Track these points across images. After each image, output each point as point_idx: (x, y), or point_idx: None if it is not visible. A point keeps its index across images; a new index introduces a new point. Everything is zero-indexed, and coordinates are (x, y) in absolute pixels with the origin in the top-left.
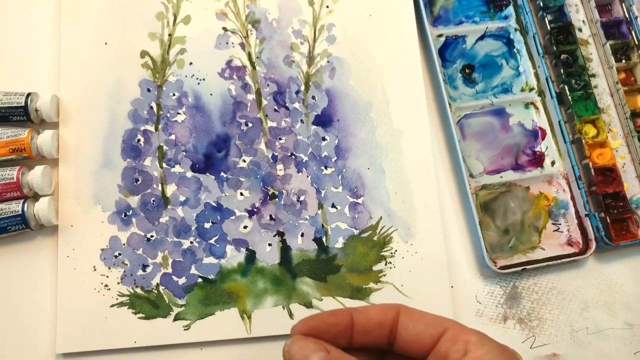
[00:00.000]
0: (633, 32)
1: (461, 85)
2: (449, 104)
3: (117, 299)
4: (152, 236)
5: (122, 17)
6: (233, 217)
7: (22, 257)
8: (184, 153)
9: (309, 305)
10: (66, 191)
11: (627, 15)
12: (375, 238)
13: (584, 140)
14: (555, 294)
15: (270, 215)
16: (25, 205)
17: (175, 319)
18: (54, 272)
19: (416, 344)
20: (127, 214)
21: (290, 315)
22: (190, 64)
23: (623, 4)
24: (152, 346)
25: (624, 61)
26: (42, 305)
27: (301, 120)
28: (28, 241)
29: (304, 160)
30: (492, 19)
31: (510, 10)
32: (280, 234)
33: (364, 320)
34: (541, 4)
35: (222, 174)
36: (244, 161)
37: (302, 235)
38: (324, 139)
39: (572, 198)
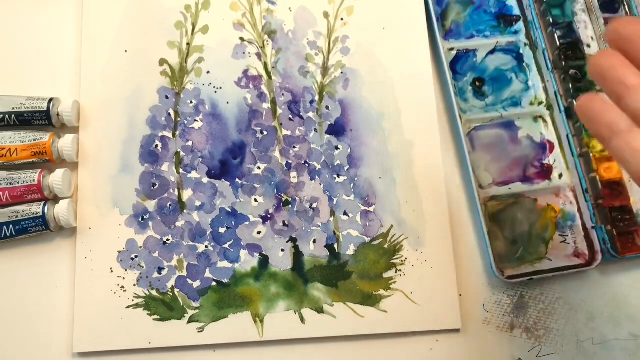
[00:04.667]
0: None
1: (471, 98)
2: (460, 116)
3: (132, 300)
4: (168, 240)
5: (142, 25)
6: (247, 223)
7: (41, 258)
8: (201, 159)
9: (320, 310)
10: (85, 194)
11: None
12: (386, 246)
13: (591, 154)
14: (561, 304)
15: (284, 222)
16: (46, 207)
17: (189, 322)
18: (71, 273)
19: None
20: (144, 217)
21: (302, 320)
22: (208, 72)
23: None
24: (167, 347)
25: None
26: (60, 305)
27: (315, 130)
28: (47, 242)
29: (317, 169)
30: (503, 34)
31: (520, 25)
32: (293, 240)
33: None
34: (551, 20)
35: (237, 180)
36: (259, 168)
37: (314, 241)
38: (337, 147)
39: (579, 210)
